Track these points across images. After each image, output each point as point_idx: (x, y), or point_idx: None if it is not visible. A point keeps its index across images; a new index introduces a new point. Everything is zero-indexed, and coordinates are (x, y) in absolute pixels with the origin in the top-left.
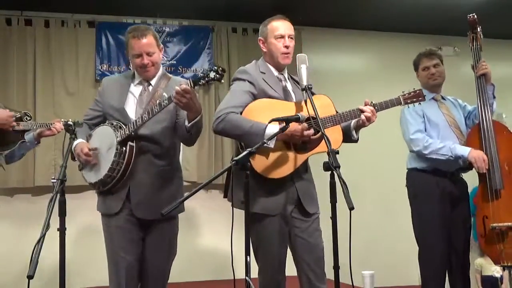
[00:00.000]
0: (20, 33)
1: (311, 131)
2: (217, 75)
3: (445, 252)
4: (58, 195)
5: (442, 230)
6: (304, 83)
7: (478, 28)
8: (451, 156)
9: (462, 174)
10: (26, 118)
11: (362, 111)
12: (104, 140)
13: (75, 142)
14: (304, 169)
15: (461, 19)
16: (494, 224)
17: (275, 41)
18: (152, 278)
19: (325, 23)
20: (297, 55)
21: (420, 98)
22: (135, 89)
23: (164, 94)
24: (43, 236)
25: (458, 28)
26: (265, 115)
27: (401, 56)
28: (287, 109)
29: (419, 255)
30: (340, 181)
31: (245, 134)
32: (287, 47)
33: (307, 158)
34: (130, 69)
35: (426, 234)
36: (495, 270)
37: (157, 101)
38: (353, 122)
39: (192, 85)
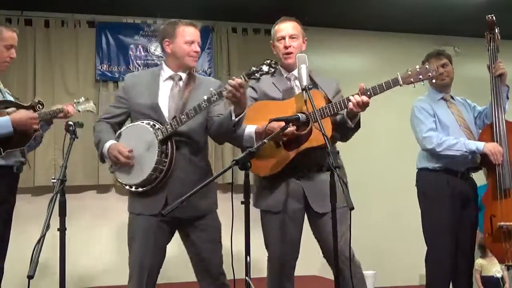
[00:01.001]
0: (20, 33)
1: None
2: (271, 68)
3: (453, 253)
4: (58, 195)
5: (451, 231)
6: (304, 83)
7: (496, 29)
8: (466, 151)
9: (472, 174)
10: (39, 107)
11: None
12: (141, 139)
13: (107, 144)
14: (314, 167)
15: (461, 20)
16: (501, 223)
17: (277, 43)
18: (206, 269)
19: (326, 23)
20: (297, 55)
21: (429, 75)
22: (165, 85)
23: (211, 89)
24: (43, 236)
25: (458, 28)
26: (256, 117)
27: (401, 56)
28: (280, 108)
29: (427, 255)
30: (340, 182)
31: None
32: (286, 47)
33: (299, 152)
34: (130, 69)
35: (435, 235)
36: (496, 271)
37: (205, 97)
38: (345, 111)
39: (246, 79)
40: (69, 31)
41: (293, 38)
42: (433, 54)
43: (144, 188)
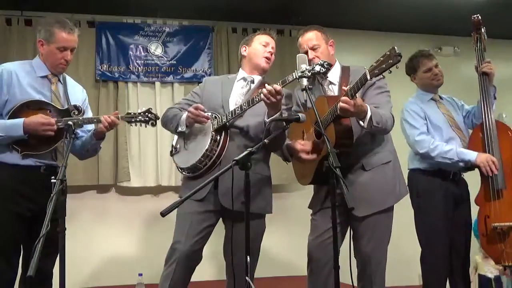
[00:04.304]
0: (20, 33)
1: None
2: (323, 68)
3: (447, 253)
4: (58, 195)
5: (444, 231)
6: (304, 83)
7: (482, 29)
8: (458, 160)
9: (463, 174)
10: (74, 113)
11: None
12: (200, 128)
13: (186, 113)
14: (351, 168)
15: (461, 19)
16: (495, 224)
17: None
18: (236, 271)
19: (325, 23)
20: (297, 55)
21: (390, 61)
22: (237, 84)
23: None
24: (43, 236)
25: (458, 28)
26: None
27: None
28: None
29: (421, 255)
30: (340, 181)
31: None
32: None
33: (320, 159)
34: (130, 69)
35: (429, 235)
36: (489, 271)
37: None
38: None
39: (281, 84)
40: None
41: (315, 48)
42: (425, 55)
43: (194, 174)
